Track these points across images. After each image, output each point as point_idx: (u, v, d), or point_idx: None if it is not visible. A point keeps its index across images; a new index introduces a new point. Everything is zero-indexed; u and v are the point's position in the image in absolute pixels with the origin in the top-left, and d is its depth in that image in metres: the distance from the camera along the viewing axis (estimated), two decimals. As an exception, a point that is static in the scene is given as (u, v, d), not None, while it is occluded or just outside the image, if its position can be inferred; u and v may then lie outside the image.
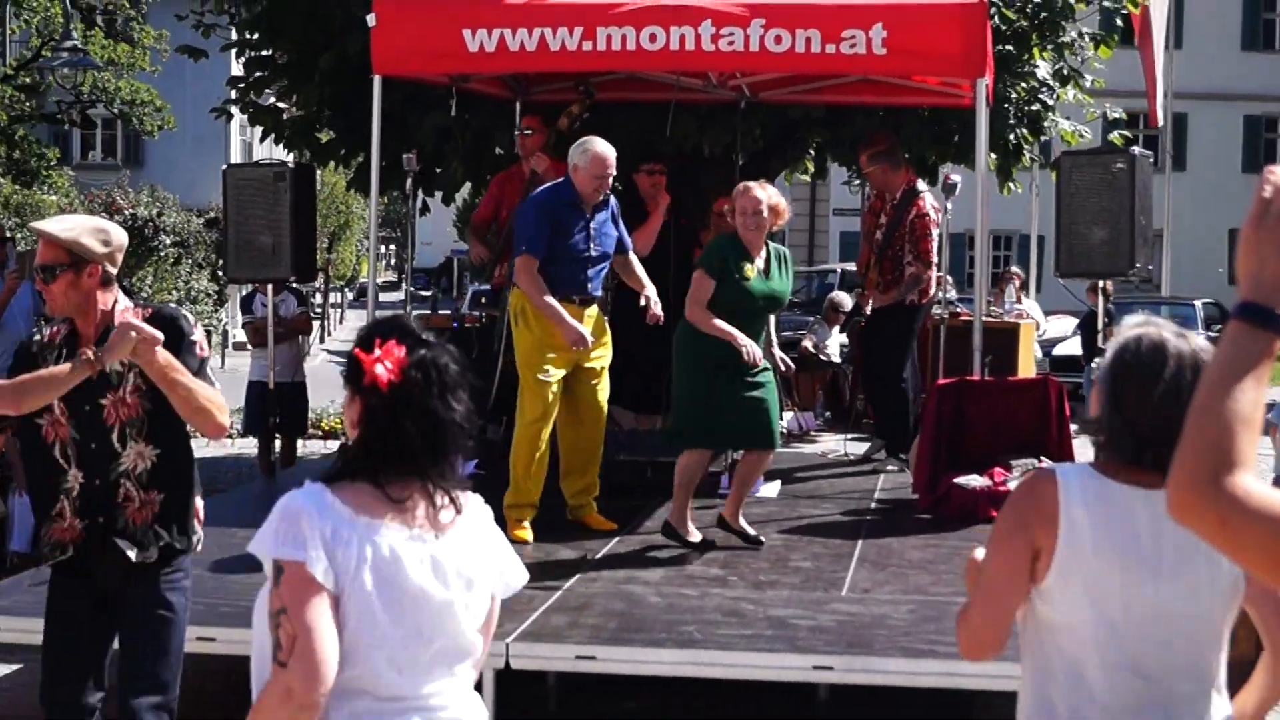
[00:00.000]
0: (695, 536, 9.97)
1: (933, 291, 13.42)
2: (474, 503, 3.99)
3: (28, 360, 5.89)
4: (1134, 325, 3.89)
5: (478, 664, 4.02)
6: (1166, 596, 3.76)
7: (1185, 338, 3.82)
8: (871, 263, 13.55)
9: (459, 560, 3.85)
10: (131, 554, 5.82)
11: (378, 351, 3.80)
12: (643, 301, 10.42)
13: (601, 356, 10.52)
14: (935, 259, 13.21)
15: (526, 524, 10.20)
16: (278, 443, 15.35)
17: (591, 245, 10.31)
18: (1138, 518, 3.76)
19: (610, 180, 10.36)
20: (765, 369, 9.94)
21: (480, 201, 14.00)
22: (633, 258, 10.80)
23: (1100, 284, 13.03)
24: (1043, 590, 3.83)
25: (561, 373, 10.26)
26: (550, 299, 10.07)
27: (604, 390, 10.60)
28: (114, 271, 5.92)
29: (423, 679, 3.82)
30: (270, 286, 13.85)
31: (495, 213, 13.30)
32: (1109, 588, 3.77)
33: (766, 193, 9.90)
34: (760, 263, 9.88)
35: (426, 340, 3.89)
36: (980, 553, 4.07)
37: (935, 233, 13.16)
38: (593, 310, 10.43)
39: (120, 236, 5.98)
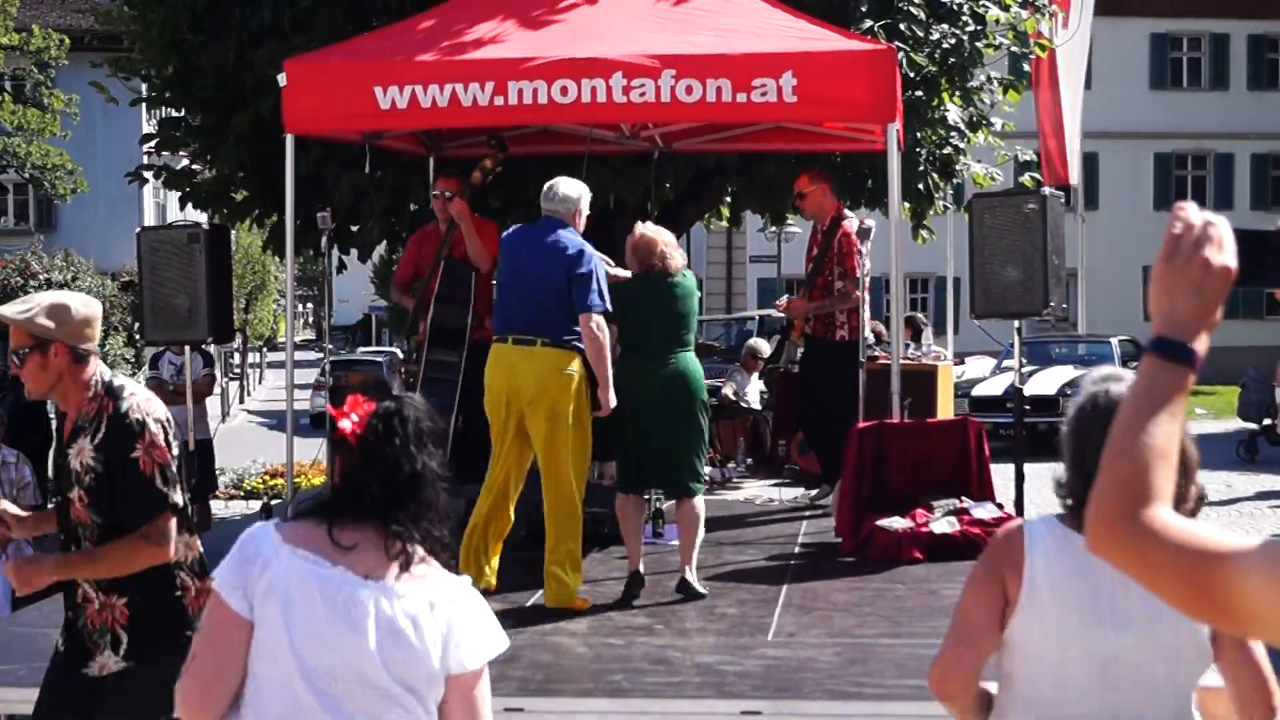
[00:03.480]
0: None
1: (866, 331, 13.38)
2: (446, 576, 4.00)
3: None
4: (1095, 380, 3.94)
5: None
6: (1125, 650, 3.80)
7: None
8: (801, 294, 13.58)
9: (393, 614, 3.85)
10: (89, 666, 5.65)
11: (346, 407, 3.94)
12: None
13: None
14: (860, 277, 13.18)
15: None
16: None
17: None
18: (1102, 571, 3.75)
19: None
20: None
21: (399, 261, 13.97)
22: None
23: (1016, 324, 13.08)
24: (1005, 640, 3.91)
25: None
26: (606, 360, 9.78)
27: None
28: (89, 347, 5.67)
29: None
30: (188, 348, 13.78)
31: (415, 272, 13.26)
32: (1066, 638, 3.82)
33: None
34: None
35: (395, 395, 4.02)
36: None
37: (860, 254, 13.16)
38: None
39: (84, 309, 5.68)
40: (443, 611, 3.92)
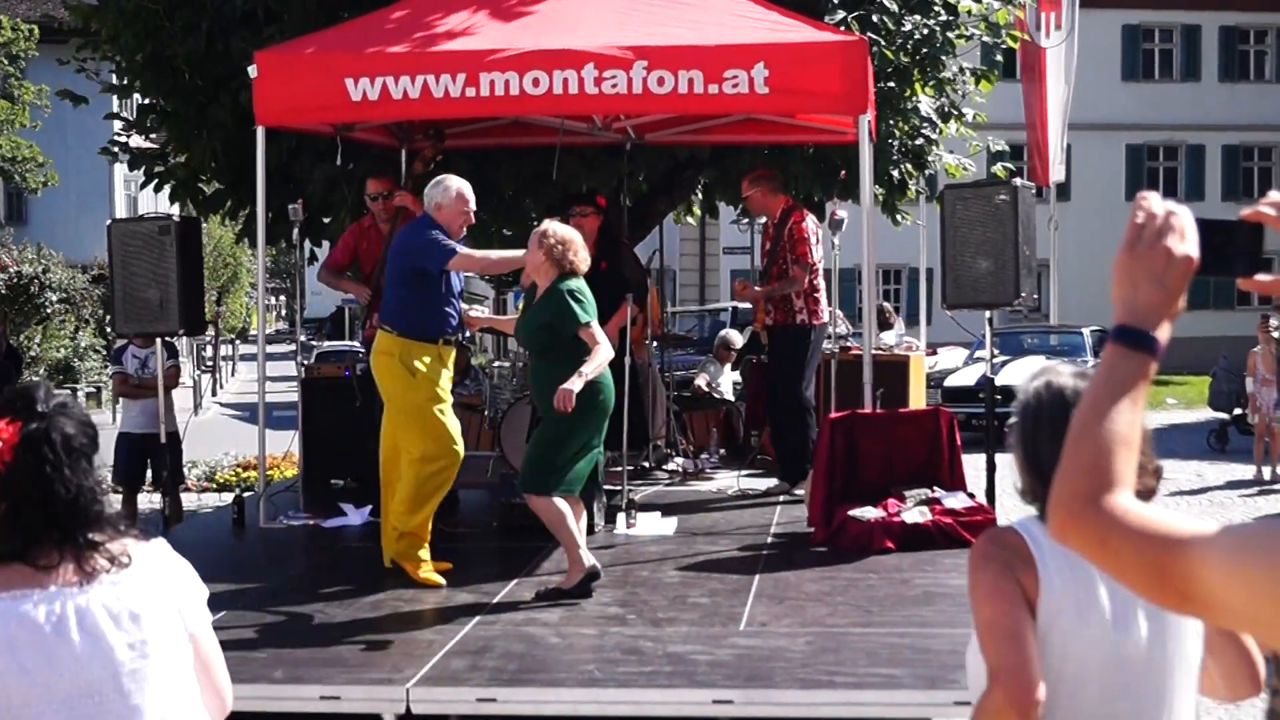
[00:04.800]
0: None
1: (825, 315, 13.45)
2: (142, 548, 3.89)
3: None
4: (1032, 378, 3.91)
5: (213, 710, 4.00)
6: (1137, 650, 3.72)
7: (1086, 378, 3.74)
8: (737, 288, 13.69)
9: (114, 606, 3.75)
10: None
11: None
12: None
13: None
14: (814, 263, 13.25)
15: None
16: (156, 496, 15.19)
17: (455, 283, 10.42)
18: (1093, 570, 3.66)
19: (473, 215, 10.38)
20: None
21: (335, 247, 13.91)
22: None
23: (988, 315, 13.11)
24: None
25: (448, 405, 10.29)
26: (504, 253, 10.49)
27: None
28: None
29: None
30: (159, 341, 13.72)
31: (351, 261, 13.24)
32: (1080, 640, 3.72)
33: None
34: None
35: (43, 412, 3.80)
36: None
37: (812, 240, 13.22)
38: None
39: None
40: (166, 578, 3.88)
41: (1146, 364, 2.52)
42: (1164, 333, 2.53)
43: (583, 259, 9.92)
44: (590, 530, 11.58)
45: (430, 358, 10.22)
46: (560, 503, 9.78)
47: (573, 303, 9.73)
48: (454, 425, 10.24)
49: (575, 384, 9.50)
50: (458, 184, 10.23)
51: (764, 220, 14.01)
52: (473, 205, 10.27)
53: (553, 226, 9.96)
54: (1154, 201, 2.56)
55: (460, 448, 10.26)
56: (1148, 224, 2.54)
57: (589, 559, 9.82)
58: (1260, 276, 2.59)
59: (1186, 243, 2.53)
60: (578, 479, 9.96)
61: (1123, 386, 2.52)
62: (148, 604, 3.81)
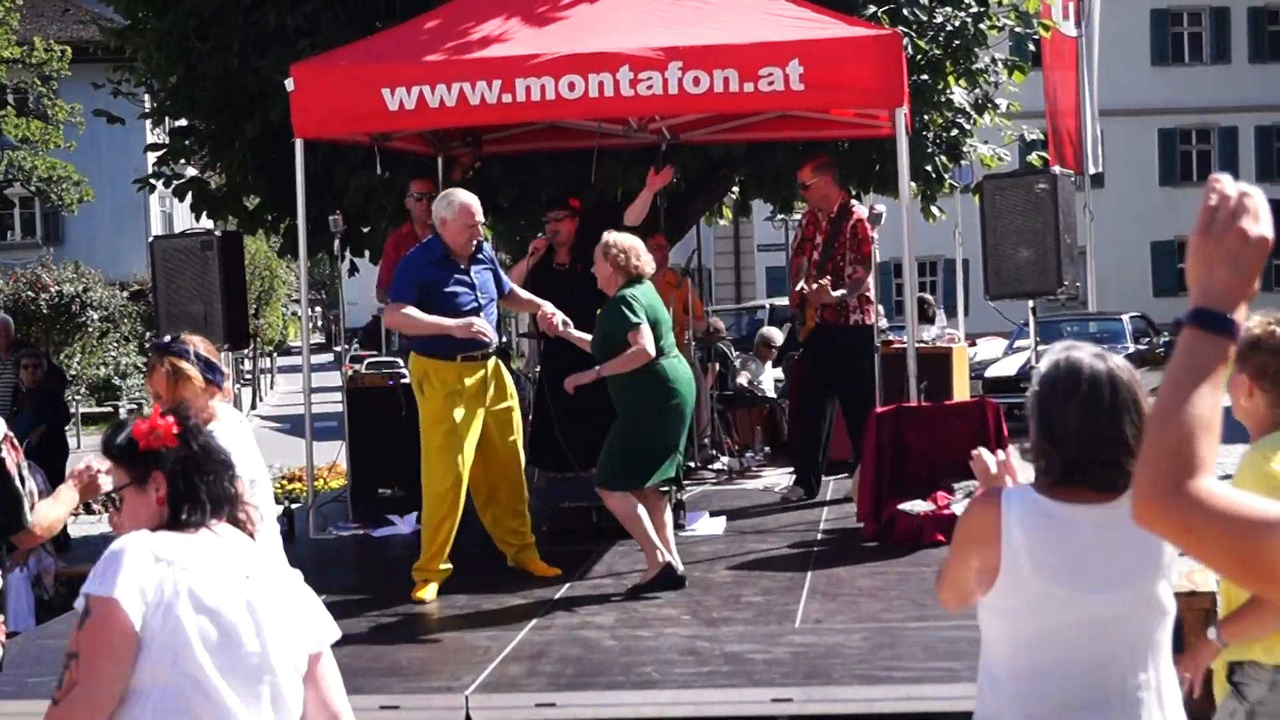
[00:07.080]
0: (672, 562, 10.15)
1: (876, 314, 13.38)
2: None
3: None
4: (1056, 350, 4.04)
5: None
6: (1108, 610, 3.88)
7: (1103, 358, 3.95)
8: (807, 284, 13.46)
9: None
10: None
11: (146, 426, 4.18)
12: (541, 313, 10.62)
13: (509, 406, 10.48)
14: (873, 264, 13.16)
15: (431, 586, 10.19)
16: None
17: (477, 296, 10.18)
18: (1080, 533, 3.88)
19: (480, 229, 10.30)
20: None
21: (380, 267, 13.93)
22: (514, 289, 10.90)
23: (1030, 304, 13.06)
24: (984, 604, 4.03)
25: (471, 434, 10.18)
26: (426, 317, 10.06)
27: (517, 437, 10.60)
28: None
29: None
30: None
31: None
32: (1049, 604, 3.89)
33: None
34: None
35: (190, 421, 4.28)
36: (986, 454, 4.43)
37: (874, 238, 13.14)
38: (492, 362, 10.37)
39: None
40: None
41: (1225, 346, 2.52)
42: (1241, 315, 2.53)
43: (646, 262, 10.03)
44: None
45: (449, 376, 10.18)
46: (629, 499, 9.86)
47: (624, 308, 9.75)
48: (455, 451, 10.15)
49: (585, 377, 9.94)
50: (461, 198, 10.16)
51: (808, 214, 13.82)
52: (478, 219, 10.19)
53: (613, 237, 10.00)
54: (1226, 184, 2.56)
55: (453, 481, 10.17)
56: (1221, 206, 2.54)
57: (664, 556, 9.91)
58: None
59: (1261, 223, 2.52)
60: (651, 475, 9.98)
61: (1202, 370, 2.51)
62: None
